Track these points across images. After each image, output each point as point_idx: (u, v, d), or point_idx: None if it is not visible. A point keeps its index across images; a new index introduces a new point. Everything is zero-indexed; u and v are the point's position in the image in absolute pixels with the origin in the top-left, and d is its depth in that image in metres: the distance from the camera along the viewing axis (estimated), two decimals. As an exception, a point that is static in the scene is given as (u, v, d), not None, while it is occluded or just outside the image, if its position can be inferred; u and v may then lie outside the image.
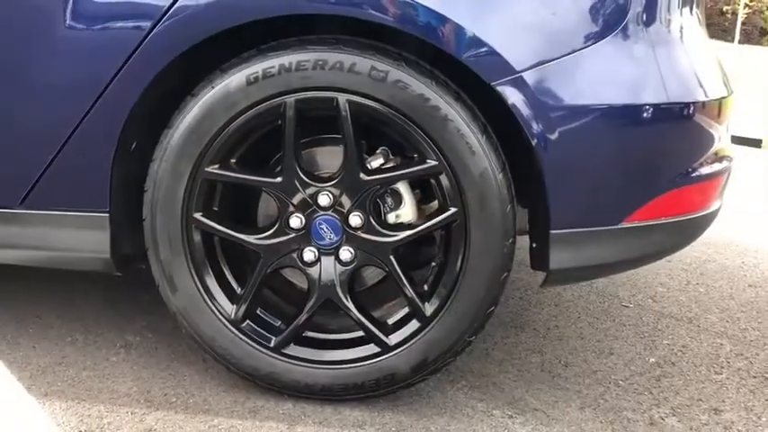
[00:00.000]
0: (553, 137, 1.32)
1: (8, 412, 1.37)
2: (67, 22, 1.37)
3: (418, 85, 1.33)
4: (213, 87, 1.37)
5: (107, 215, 1.46)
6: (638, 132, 1.38)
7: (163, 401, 1.45)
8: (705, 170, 1.46)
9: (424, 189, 1.49)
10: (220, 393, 1.50)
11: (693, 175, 1.44)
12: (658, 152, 1.40)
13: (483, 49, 1.30)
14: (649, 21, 1.37)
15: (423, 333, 1.44)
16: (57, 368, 1.54)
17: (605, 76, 1.35)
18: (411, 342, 1.44)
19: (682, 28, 1.44)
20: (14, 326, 1.72)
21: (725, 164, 1.53)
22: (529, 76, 1.30)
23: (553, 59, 1.32)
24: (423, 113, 1.34)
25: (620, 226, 1.41)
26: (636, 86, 1.37)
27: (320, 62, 1.34)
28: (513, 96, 1.31)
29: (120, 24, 1.37)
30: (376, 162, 1.44)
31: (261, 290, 1.47)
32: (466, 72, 1.31)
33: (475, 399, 1.54)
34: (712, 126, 1.45)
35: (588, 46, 1.33)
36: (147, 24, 1.33)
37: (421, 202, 1.48)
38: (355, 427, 1.42)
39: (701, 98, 1.42)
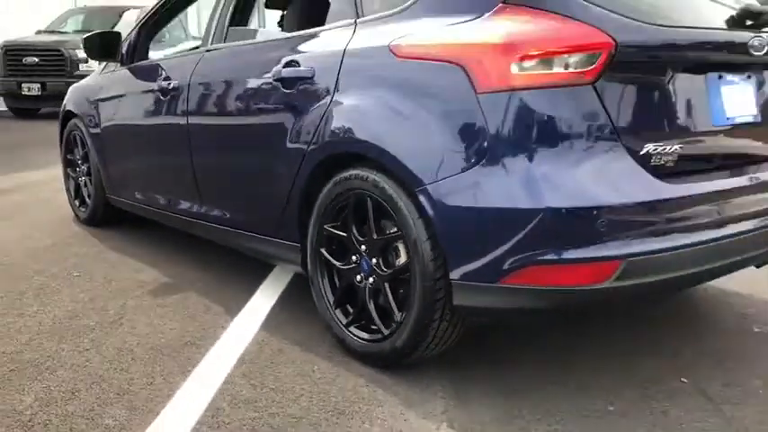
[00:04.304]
0: (444, 221, 2.23)
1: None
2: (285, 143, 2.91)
3: (389, 186, 2.41)
4: (328, 184, 2.70)
5: (298, 245, 2.94)
6: (499, 222, 2.14)
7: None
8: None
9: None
10: (328, 346, 2.80)
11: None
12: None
13: (404, 169, 2.31)
14: (506, 150, 2.13)
15: (396, 330, 2.46)
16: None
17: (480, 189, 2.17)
18: (393, 335, 2.48)
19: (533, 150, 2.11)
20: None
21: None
22: (431, 188, 2.25)
23: (445, 178, 2.22)
24: (391, 202, 2.41)
25: (496, 285, 2.18)
26: (495, 195, 2.14)
27: (356, 175, 2.54)
28: (423, 200, 2.28)
29: (293, 149, 2.83)
30: (393, 230, 2.53)
31: (344, 293, 2.71)
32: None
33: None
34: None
35: (466, 170, 2.19)
36: (305, 147, 2.77)
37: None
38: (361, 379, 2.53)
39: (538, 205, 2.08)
